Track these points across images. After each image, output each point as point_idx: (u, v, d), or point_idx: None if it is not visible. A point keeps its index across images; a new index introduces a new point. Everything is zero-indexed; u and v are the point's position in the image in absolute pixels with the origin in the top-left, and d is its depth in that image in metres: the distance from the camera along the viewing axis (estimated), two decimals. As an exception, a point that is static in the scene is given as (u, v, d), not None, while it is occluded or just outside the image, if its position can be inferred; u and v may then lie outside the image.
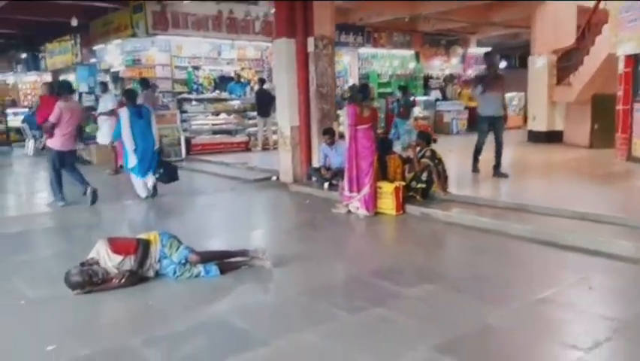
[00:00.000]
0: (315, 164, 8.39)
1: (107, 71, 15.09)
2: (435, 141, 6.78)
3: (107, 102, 10.44)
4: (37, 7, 12.86)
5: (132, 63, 12.92)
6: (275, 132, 13.27)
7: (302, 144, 8.52)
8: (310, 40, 8.21)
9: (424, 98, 17.15)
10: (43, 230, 6.25)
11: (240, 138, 13.19)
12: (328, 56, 8.44)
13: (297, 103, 8.43)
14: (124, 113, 7.46)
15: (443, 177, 6.63)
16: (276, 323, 3.37)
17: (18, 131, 17.20)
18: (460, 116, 16.99)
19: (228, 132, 13.18)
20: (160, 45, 12.84)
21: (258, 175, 9.45)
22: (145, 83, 9.86)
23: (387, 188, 6.24)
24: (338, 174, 7.70)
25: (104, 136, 10.47)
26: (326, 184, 7.78)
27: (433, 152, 6.65)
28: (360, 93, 6.45)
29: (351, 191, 6.22)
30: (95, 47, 15.06)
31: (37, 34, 16.90)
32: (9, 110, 17.72)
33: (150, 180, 7.66)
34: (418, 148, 6.72)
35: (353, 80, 16.81)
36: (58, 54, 16.93)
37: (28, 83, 21.56)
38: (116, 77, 14.71)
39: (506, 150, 8.00)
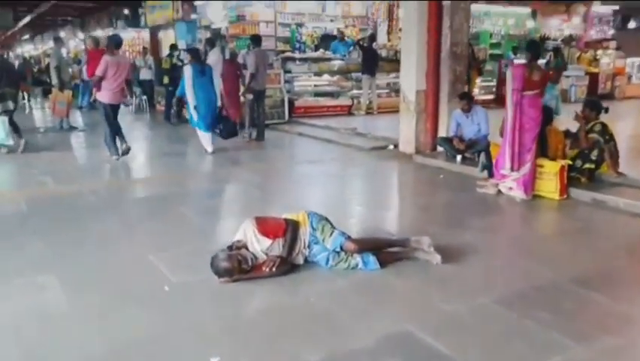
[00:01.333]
0: (443, 133, 7.50)
1: (207, 27, 14.71)
2: (606, 110, 5.63)
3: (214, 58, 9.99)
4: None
5: (236, 19, 12.39)
6: (379, 95, 12.54)
7: (428, 109, 7.61)
8: (446, -8, 7.18)
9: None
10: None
11: (342, 100, 12.44)
12: (465, 11, 7.38)
13: (426, 63, 7.49)
14: (187, 70, 7.81)
15: (615, 156, 5.53)
16: (484, 347, 2.63)
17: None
18: (580, 82, 15.24)
19: (330, 94, 12.47)
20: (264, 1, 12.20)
21: (372, 143, 8.68)
22: (257, 39, 9.26)
23: (550, 167, 5.26)
24: (473, 145, 6.79)
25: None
26: (459, 157, 6.88)
27: (604, 126, 5.54)
28: (529, 51, 5.41)
29: (512, 169, 5.28)
30: (197, 3, 14.66)
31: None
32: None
33: (209, 135, 8.01)
34: (585, 120, 5.63)
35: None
36: (159, 9, 16.78)
37: (127, 39, 21.93)
38: (217, 34, 14.33)
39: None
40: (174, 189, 6.14)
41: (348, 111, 12.38)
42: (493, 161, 5.71)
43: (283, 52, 12.65)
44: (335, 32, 13.61)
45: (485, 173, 6.02)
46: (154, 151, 9.11)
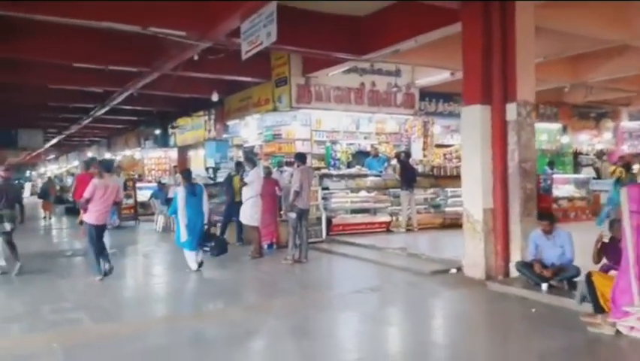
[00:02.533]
0: (515, 256, 6.74)
1: (239, 146, 14.72)
2: None
3: (254, 175, 9.62)
4: (179, 83, 12.88)
5: (272, 138, 12.30)
6: (418, 211, 11.98)
7: (497, 230, 6.93)
8: (511, 107, 6.83)
9: (574, 176, 15.07)
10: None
11: (380, 217, 11.86)
12: (531, 126, 6.98)
13: (492, 181, 6.95)
14: (180, 191, 8.17)
15: None
16: None
17: (142, 205, 17.26)
18: (620, 197, 14.60)
19: (368, 211, 11.92)
20: (301, 119, 12.16)
21: (429, 265, 7.89)
22: (302, 157, 8.94)
23: (681, 302, 4.42)
24: (560, 271, 5.99)
25: (246, 215, 9.54)
26: (544, 285, 6.04)
27: None
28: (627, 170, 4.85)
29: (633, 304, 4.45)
30: (229, 123, 14.83)
31: (172, 110, 17.20)
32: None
33: (199, 254, 8.14)
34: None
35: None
36: (190, 130, 17.05)
37: (154, 158, 22.26)
38: (249, 152, 14.26)
39: None
40: (228, 328, 5.30)
41: (387, 228, 11.75)
42: (602, 293, 4.88)
43: (318, 169, 12.38)
44: (368, 149, 13.46)
45: (585, 306, 5.16)
46: (196, 277, 8.31)
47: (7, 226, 7.90)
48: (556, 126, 16.32)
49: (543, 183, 12.79)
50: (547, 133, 16.18)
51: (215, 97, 13.17)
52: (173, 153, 20.48)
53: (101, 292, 6.90)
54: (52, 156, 42.27)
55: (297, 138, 12.16)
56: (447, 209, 12.71)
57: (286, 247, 10.02)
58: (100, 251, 7.53)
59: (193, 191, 8.10)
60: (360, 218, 11.62)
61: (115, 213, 8.73)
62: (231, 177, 11.21)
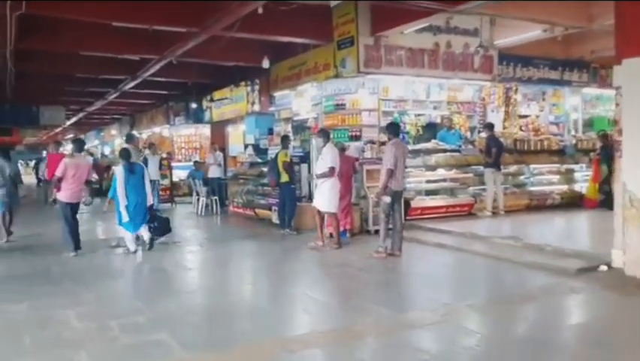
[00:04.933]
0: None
1: (287, 120, 13.19)
2: None
3: (326, 157, 8.14)
4: (223, 49, 11.36)
5: (334, 109, 10.74)
6: (505, 192, 10.47)
7: (675, 217, 5.41)
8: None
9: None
10: None
11: (461, 199, 10.37)
12: None
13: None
14: (118, 170, 8.02)
15: None
16: None
17: (174, 186, 15.94)
18: None
19: (447, 192, 10.45)
20: (369, 86, 10.57)
21: (565, 261, 6.41)
22: (395, 128, 7.38)
23: None
24: None
25: (323, 200, 8.09)
26: None
27: None
28: None
29: None
30: (276, 94, 13.27)
31: (208, 82, 15.67)
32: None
33: (145, 233, 8.07)
34: None
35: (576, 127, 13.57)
36: (229, 103, 15.50)
37: (184, 136, 20.79)
38: (299, 127, 12.76)
39: None
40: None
41: (469, 211, 10.28)
42: None
43: (383, 143, 10.85)
44: (438, 120, 11.89)
45: None
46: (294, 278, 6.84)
47: None
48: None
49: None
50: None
51: (265, 63, 11.64)
52: (206, 130, 19.00)
53: (174, 300, 5.53)
54: (70, 136, 41.03)
55: (362, 108, 10.58)
56: (532, 189, 11.19)
57: (359, 234, 8.84)
58: (74, 228, 7.82)
59: (132, 170, 7.98)
60: (440, 200, 10.14)
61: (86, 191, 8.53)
62: (276, 155, 9.75)
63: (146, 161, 12.08)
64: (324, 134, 8.36)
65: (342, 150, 9.21)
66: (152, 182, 12.01)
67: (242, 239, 9.51)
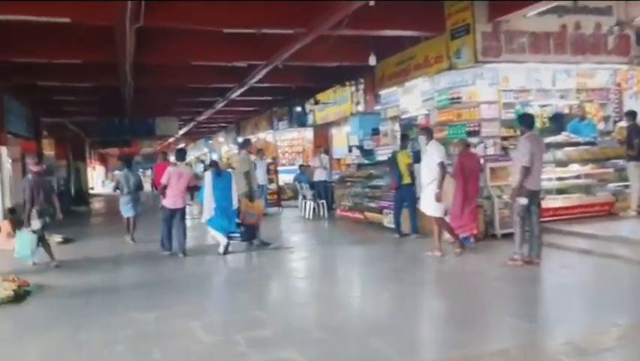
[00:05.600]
0: None
1: (394, 118, 12.64)
2: None
3: (432, 154, 7.48)
4: (328, 49, 11.09)
5: (448, 103, 10.02)
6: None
7: None
8: None
9: None
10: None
11: (599, 197, 9.16)
12: None
13: None
14: (207, 175, 8.59)
15: None
16: None
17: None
18: None
19: (582, 190, 9.27)
20: (487, 77, 9.72)
21: None
22: (529, 120, 6.57)
23: None
24: None
25: (428, 203, 7.43)
26: None
27: None
28: None
29: None
30: (382, 92, 12.77)
31: (311, 86, 15.55)
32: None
33: (223, 238, 8.30)
34: None
35: None
36: (333, 105, 15.26)
37: (287, 140, 20.98)
38: (407, 125, 12.15)
39: None
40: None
41: (609, 211, 9.05)
42: None
43: (506, 138, 9.94)
44: (566, 110, 10.66)
45: None
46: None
47: (36, 224, 7.85)
48: None
49: None
50: None
51: (372, 60, 11.17)
52: (309, 133, 18.98)
53: (295, 311, 5.23)
54: (181, 145, 43.60)
55: (481, 100, 9.74)
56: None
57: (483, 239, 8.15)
58: (169, 231, 8.44)
59: (219, 175, 8.45)
60: (575, 199, 9.02)
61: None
62: (395, 154, 9.20)
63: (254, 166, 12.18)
64: (427, 131, 7.77)
65: (467, 145, 8.50)
66: (260, 186, 12.11)
67: (353, 244, 9.13)
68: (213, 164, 9.19)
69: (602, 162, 9.36)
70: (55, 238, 10.76)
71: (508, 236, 8.18)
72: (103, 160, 45.12)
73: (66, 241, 10.80)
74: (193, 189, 8.97)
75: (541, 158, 6.56)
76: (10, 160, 11.71)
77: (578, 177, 9.31)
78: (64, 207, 18.79)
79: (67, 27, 8.62)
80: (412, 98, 11.65)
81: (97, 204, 23.21)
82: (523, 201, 6.38)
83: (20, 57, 10.49)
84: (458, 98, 9.93)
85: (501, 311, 4.93)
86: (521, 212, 6.46)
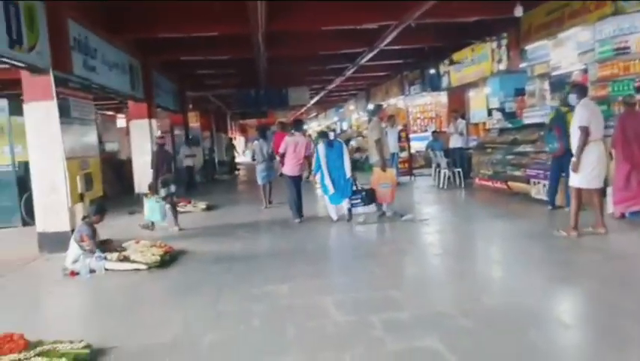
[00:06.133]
0: None
1: (543, 75, 11.26)
2: None
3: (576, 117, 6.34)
4: (462, 3, 10.12)
5: (612, 54, 8.56)
6: None
7: None
8: None
9: None
10: None
11: None
12: None
13: None
14: (320, 147, 8.56)
15: None
16: None
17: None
18: None
19: None
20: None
21: None
22: None
23: None
24: None
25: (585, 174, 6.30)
26: None
27: None
28: None
29: None
30: (529, 47, 11.41)
31: (445, 46, 14.51)
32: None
33: (345, 205, 8.49)
34: None
35: None
36: (470, 64, 14.11)
37: (419, 105, 20.09)
38: (558, 82, 10.73)
39: None
40: None
41: None
42: None
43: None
44: None
45: None
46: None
47: (173, 188, 8.82)
48: None
49: None
50: None
51: (518, 11, 9.96)
52: (443, 98, 17.92)
53: (434, 292, 4.80)
54: (313, 114, 44.52)
55: (654, 49, 8.16)
56: None
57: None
58: (296, 198, 8.74)
59: (331, 146, 8.52)
60: None
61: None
62: (561, 114, 8.06)
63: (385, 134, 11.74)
64: (578, 89, 6.58)
65: (631, 104, 7.22)
66: (392, 155, 11.65)
67: (497, 217, 8.33)
68: (323, 135, 9.23)
69: None
70: (200, 205, 11.52)
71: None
72: (243, 131, 47.91)
73: (209, 207, 11.46)
74: (307, 158, 9.03)
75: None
76: (159, 132, 12.62)
77: None
78: (208, 176, 20.41)
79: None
80: (565, 51, 10.21)
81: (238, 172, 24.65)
82: None
83: (164, 32, 11.07)
84: (625, 48, 8.39)
85: None
86: None
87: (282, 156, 8.83)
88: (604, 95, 8.76)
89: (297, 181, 8.83)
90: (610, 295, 4.31)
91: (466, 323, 3.89)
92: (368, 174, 9.51)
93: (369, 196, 8.38)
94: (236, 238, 7.91)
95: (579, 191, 6.33)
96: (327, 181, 8.38)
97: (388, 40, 12.43)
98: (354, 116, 30.58)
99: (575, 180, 6.35)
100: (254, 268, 5.98)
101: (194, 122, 22.12)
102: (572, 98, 6.64)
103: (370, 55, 14.49)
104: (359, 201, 8.37)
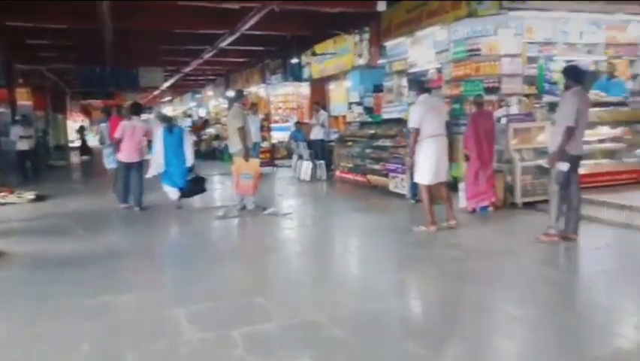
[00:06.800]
0: None
1: (401, 72, 11.55)
2: None
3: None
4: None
5: (466, 55, 8.96)
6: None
7: None
8: None
9: None
10: None
11: (631, 164, 8.33)
12: None
13: None
14: (158, 132, 8.49)
15: None
16: None
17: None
18: None
19: (611, 155, 8.42)
20: (512, 27, 8.63)
21: None
22: (579, 74, 5.59)
23: None
24: None
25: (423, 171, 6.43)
26: None
27: None
28: None
29: None
30: (388, 43, 11.61)
31: (309, 35, 14.29)
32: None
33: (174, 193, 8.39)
34: None
35: None
36: (332, 58, 14.06)
37: (280, 95, 19.76)
38: (416, 80, 11.07)
39: None
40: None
41: (638, 180, 8.24)
42: None
43: (527, 96, 8.97)
44: (592, 67, 9.69)
45: None
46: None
47: None
48: None
49: None
50: None
51: (381, 5, 10.04)
52: (304, 89, 17.80)
53: (303, 297, 4.36)
54: (167, 98, 41.91)
55: (503, 53, 8.69)
56: None
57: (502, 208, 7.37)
58: (126, 185, 8.51)
59: (171, 132, 8.37)
60: (605, 166, 8.18)
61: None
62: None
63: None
64: (417, 85, 6.88)
65: (479, 104, 7.59)
66: (254, 144, 11.10)
67: (360, 211, 8.23)
68: (165, 119, 9.18)
69: (633, 124, 8.47)
70: (26, 196, 9.82)
71: (531, 205, 7.44)
72: (86, 112, 43.32)
73: (39, 198, 9.83)
74: (149, 143, 8.89)
75: (586, 118, 5.64)
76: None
77: (602, 140, 8.43)
78: (40, 161, 17.82)
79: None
80: (422, 49, 10.53)
81: (76, 158, 22.04)
82: (565, 167, 5.50)
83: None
84: (477, 50, 8.86)
85: (571, 308, 4.08)
86: (561, 180, 5.58)
87: (119, 141, 8.44)
88: (457, 95, 9.17)
89: (137, 167, 8.48)
90: (473, 294, 4.26)
91: (338, 333, 3.50)
92: (228, 164, 8.83)
93: (198, 183, 8.47)
94: (70, 236, 6.72)
95: (426, 187, 6.40)
96: (157, 162, 8.29)
97: (250, 23, 11.78)
98: (212, 102, 29.34)
99: (418, 177, 6.44)
100: (89, 274, 4.99)
101: (24, 99, 19.15)
102: (412, 94, 6.71)
103: (231, 38, 13.70)
104: (186, 191, 8.39)
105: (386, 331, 3.57)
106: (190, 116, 32.41)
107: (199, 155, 17.09)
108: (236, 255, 5.88)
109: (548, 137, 6.57)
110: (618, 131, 8.40)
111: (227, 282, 4.80)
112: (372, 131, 10.52)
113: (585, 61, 9.59)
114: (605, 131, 8.37)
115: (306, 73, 16.09)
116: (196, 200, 8.89)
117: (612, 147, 8.35)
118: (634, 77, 9.81)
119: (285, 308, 4.00)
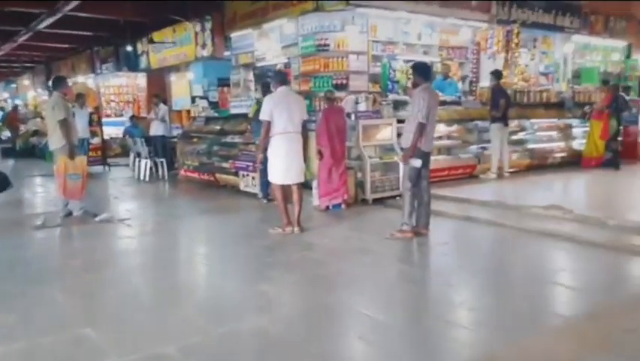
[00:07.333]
0: None
1: (248, 66, 11.10)
2: None
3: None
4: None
5: (314, 50, 8.80)
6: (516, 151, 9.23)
7: None
8: None
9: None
10: None
11: (463, 160, 8.98)
12: None
13: None
14: None
15: None
16: None
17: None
18: None
19: (448, 152, 8.98)
20: (358, 24, 8.71)
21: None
22: (426, 70, 5.65)
23: None
24: None
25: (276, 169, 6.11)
26: None
27: None
28: None
29: None
30: (234, 34, 11.07)
31: (145, 21, 13.06)
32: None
33: None
34: None
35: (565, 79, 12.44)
36: (172, 47, 13.02)
37: (113, 87, 17.98)
38: (263, 74, 10.74)
39: None
40: None
41: (471, 174, 8.94)
42: None
43: (370, 93, 9.18)
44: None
45: None
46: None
47: None
48: (620, 44, 13.70)
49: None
50: (609, 51, 13.57)
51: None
52: (141, 80, 16.36)
53: (147, 324, 3.65)
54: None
55: (351, 50, 8.73)
56: (533, 146, 9.95)
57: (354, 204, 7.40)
58: None
59: None
60: (442, 162, 8.66)
61: None
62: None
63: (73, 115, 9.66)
64: (275, 74, 6.73)
65: (331, 100, 7.47)
66: (82, 140, 9.74)
67: (207, 214, 7.57)
68: None
69: (466, 122, 9.14)
70: None
71: (380, 201, 7.54)
72: None
73: None
74: None
75: (435, 114, 5.75)
76: None
77: (440, 137, 8.95)
78: None
79: None
80: (269, 43, 10.21)
81: None
82: (417, 163, 5.54)
83: None
84: (325, 45, 8.79)
85: (428, 306, 3.98)
86: (413, 176, 5.63)
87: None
88: (307, 90, 9.00)
89: None
90: (336, 300, 3.98)
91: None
92: (49, 164, 7.49)
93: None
94: None
95: (279, 186, 6.03)
96: None
97: (75, 3, 10.30)
98: (30, 93, 25.70)
99: (270, 176, 6.08)
100: None
101: None
102: (273, 86, 6.26)
103: (51, 20, 11.91)
104: None
105: (248, 357, 3.07)
106: (2, 109, 28.05)
107: (14, 153, 14.72)
108: (56, 275, 4.83)
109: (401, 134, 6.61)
110: (453, 128, 8.99)
111: (44, 312, 3.83)
112: (220, 127, 9.89)
113: (424, 61, 10.18)
114: (442, 129, 8.86)
115: (143, 63, 14.76)
116: (5, 207, 7.39)
117: (448, 143, 8.89)
118: (463, 78, 10.66)
119: (122, 341, 3.26)
